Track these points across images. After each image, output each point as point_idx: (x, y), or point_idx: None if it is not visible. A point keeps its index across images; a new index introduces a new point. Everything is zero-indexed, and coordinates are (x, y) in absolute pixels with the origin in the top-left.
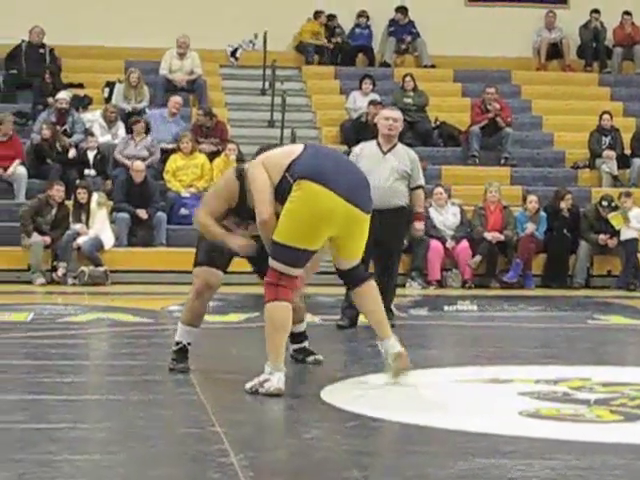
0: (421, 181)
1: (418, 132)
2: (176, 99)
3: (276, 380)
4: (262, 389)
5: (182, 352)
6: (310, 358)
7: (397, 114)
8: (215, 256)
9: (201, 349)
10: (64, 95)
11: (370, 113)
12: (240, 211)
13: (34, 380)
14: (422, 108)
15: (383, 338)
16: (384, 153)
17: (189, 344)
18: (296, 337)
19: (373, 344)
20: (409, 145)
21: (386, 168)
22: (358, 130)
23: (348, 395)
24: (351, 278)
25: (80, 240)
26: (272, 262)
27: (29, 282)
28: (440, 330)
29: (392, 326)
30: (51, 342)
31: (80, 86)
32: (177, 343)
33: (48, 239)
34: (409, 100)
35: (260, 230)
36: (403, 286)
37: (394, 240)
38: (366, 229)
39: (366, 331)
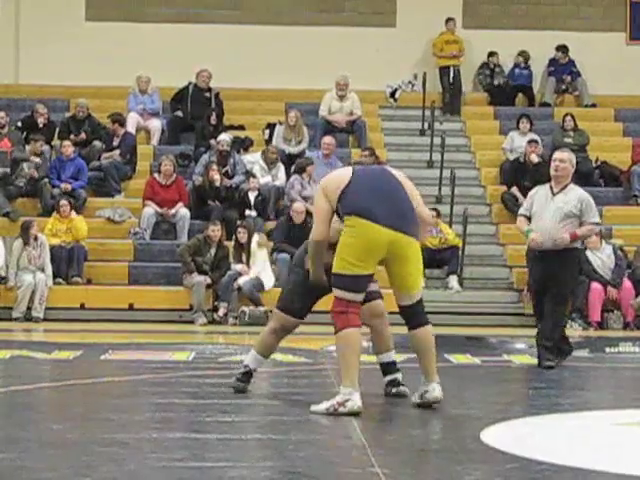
0: (593, 219)
1: (579, 172)
2: (327, 139)
3: (357, 399)
4: (344, 409)
5: (248, 375)
6: (394, 390)
7: (563, 155)
8: (293, 305)
9: (360, 389)
10: (225, 137)
11: (527, 153)
12: None
13: (195, 419)
14: (583, 148)
15: (428, 380)
16: (553, 194)
17: (255, 370)
18: (386, 368)
19: (533, 386)
20: None
21: (551, 209)
22: (517, 171)
23: (509, 437)
24: (411, 318)
25: (241, 280)
26: (337, 292)
27: (191, 322)
28: (601, 372)
29: (550, 367)
30: (212, 381)
31: (241, 128)
32: (246, 366)
33: (209, 279)
34: (569, 140)
35: (309, 248)
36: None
37: (558, 281)
38: (413, 253)
39: (521, 371)
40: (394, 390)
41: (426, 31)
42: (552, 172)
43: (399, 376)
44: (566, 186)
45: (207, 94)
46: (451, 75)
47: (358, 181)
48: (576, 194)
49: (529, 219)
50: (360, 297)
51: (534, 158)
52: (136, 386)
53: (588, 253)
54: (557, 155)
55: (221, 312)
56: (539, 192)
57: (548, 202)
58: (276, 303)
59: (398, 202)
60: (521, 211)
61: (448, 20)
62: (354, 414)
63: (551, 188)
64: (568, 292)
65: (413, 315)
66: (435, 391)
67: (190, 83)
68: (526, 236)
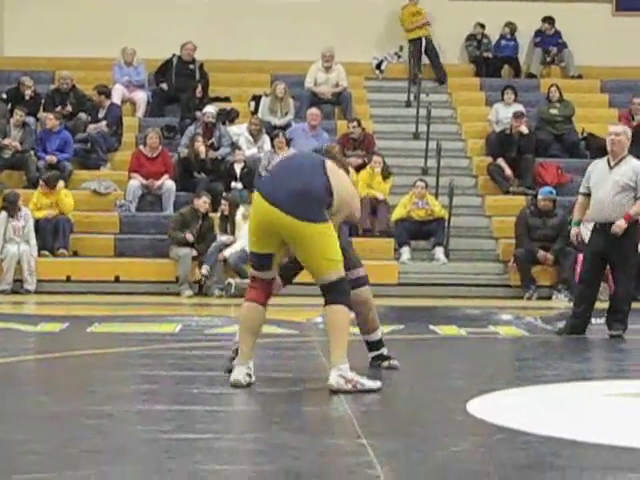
0: None
1: (565, 144)
2: (313, 111)
3: (236, 372)
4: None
5: None
6: (385, 363)
7: (618, 128)
8: (280, 268)
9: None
10: (211, 109)
11: (514, 126)
12: None
13: (182, 391)
14: (568, 119)
15: (330, 364)
16: (610, 168)
17: None
18: (371, 345)
19: (520, 357)
20: (556, 157)
21: (608, 182)
22: (503, 142)
23: (495, 408)
24: (324, 296)
25: (227, 252)
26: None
27: (177, 294)
28: (587, 343)
29: (618, 336)
30: (199, 353)
31: (227, 100)
32: (237, 343)
33: (195, 251)
34: (555, 111)
35: None
36: (549, 299)
37: (616, 254)
38: (309, 236)
39: (508, 343)
40: (385, 364)
41: None
42: (608, 146)
43: (384, 350)
44: (622, 159)
45: (191, 66)
46: (423, 45)
47: (280, 162)
48: (631, 165)
49: (589, 195)
50: (263, 274)
51: (523, 129)
52: (122, 358)
53: (581, 227)
54: (612, 129)
55: (204, 270)
56: (597, 166)
57: (605, 175)
58: None
59: (297, 183)
60: (580, 190)
61: None
62: (231, 385)
63: (608, 161)
64: (627, 264)
65: (324, 294)
66: (329, 378)
67: (174, 55)
68: (573, 224)
